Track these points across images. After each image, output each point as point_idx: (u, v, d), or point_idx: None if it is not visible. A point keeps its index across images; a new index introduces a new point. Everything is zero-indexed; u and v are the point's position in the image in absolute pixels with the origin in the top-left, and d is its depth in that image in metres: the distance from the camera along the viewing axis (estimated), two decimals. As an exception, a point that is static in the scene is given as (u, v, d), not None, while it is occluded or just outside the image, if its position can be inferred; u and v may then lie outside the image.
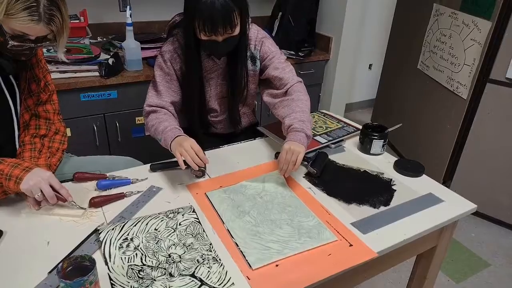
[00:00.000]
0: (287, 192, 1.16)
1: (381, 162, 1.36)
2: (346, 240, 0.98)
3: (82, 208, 1.04)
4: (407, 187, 1.22)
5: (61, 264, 0.78)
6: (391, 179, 1.25)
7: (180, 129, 1.18)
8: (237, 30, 1.20)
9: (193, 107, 1.37)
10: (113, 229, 0.95)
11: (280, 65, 1.32)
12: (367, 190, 1.20)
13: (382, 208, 1.12)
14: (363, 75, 3.87)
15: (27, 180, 0.97)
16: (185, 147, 1.08)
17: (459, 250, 2.14)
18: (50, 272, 0.85)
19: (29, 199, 1.01)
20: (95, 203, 1.06)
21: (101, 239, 0.92)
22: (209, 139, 1.47)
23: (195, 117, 1.38)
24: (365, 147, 1.41)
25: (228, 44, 1.22)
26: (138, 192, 1.13)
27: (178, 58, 1.30)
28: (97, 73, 1.95)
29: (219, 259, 0.91)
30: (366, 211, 1.11)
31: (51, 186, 0.99)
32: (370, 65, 3.89)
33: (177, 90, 1.33)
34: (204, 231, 0.99)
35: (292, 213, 1.07)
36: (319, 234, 0.99)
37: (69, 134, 1.99)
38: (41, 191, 0.97)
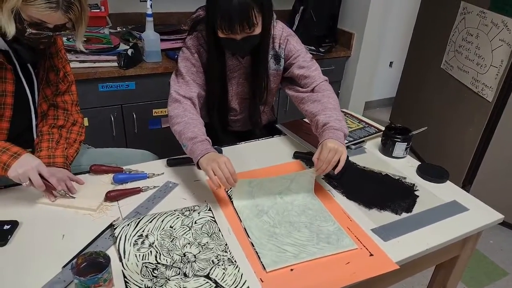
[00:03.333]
0: (309, 194, 1.12)
1: (404, 166, 1.31)
2: (367, 249, 0.94)
3: (72, 197, 1.03)
4: (431, 193, 1.18)
5: (75, 260, 0.77)
6: (413, 184, 1.21)
7: (209, 140, 1.09)
8: (257, 29, 1.15)
9: (213, 105, 1.33)
10: (128, 224, 0.94)
11: (305, 63, 1.28)
12: (388, 195, 1.16)
13: (404, 215, 1.08)
14: (383, 73, 3.78)
15: (15, 168, 0.95)
16: (220, 165, 0.98)
17: (477, 257, 2.07)
18: (64, 266, 0.84)
19: (44, 190, 1.00)
20: (111, 197, 1.04)
21: (116, 234, 0.91)
22: (226, 135, 1.44)
23: (214, 114, 1.34)
24: (387, 149, 1.36)
25: (248, 44, 1.17)
26: (154, 187, 1.11)
27: (204, 53, 1.26)
28: (116, 64, 1.94)
29: (235, 261, 0.88)
30: (387, 217, 1.07)
31: (40, 174, 0.97)
32: (391, 63, 3.81)
33: (202, 84, 1.28)
34: (220, 230, 0.97)
35: (312, 216, 1.04)
36: (339, 240, 0.96)
37: (86, 124, 2.00)
38: (30, 179, 0.96)
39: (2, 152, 0.97)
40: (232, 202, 1.07)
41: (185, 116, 1.14)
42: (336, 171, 1.07)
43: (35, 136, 1.18)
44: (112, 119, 2.03)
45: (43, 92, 1.16)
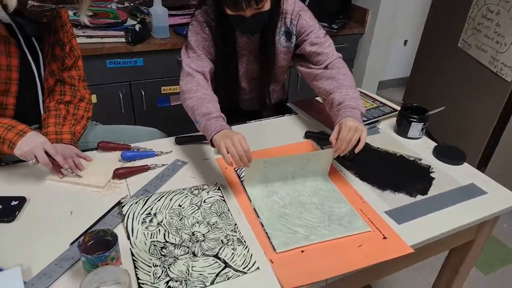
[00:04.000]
0: (323, 175, 1.08)
1: (419, 147, 1.27)
2: (380, 232, 0.92)
3: (78, 175, 1.01)
4: (447, 175, 1.14)
5: (82, 237, 0.75)
6: (429, 166, 1.17)
7: (224, 117, 1.03)
8: (266, 5, 1.09)
9: (222, 83, 1.29)
10: (136, 202, 0.92)
11: (318, 40, 1.22)
12: (403, 176, 1.12)
13: (419, 197, 1.04)
14: (397, 52, 3.67)
15: (20, 146, 0.94)
16: (234, 142, 0.92)
17: (490, 241, 2.04)
18: (72, 243, 0.83)
19: (52, 167, 0.99)
20: (119, 174, 1.03)
21: (124, 212, 0.90)
22: (234, 115, 1.39)
23: (222, 93, 1.28)
24: (402, 129, 1.31)
25: (257, 21, 1.11)
26: (163, 165, 1.09)
27: (214, 29, 1.21)
28: (123, 39, 1.90)
29: (244, 241, 0.87)
30: (401, 199, 1.03)
31: (46, 152, 0.95)
32: (406, 41, 3.68)
33: (213, 59, 1.23)
34: (229, 210, 0.95)
35: (323, 197, 1.01)
36: (351, 222, 0.93)
37: (94, 100, 1.98)
38: (35, 157, 0.95)
39: (8, 129, 0.95)
40: (242, 181, 1.05)
41: (198, 91, 1.08)
42: (357, 150, 1.01)
43: (42, 112, 1.16)
44: (121, 96, 2.01)
45: (49, 67, 1.13)
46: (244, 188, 1.03)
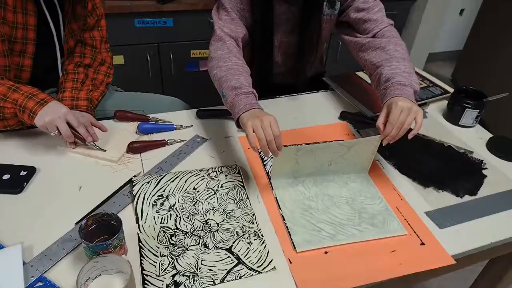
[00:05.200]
0: (363, 166, 0.94)
1: (471, 138, 1.10)
2: (418, 237, 0.80)
3: (102, 149, 0.94)
4: (502, 174, 0.98)
5: (85, 220, 0.69)
6: (481, 161, 1.01)
7: (255, 93, 0.89)
8: None
9: (254, 55, 1.15)
10: (148, 182, 0.85)
11: (365, 4, 1.05)
12: (450, 171, 0.98)
13: (467, 198, 0.91)
14: (451, 22, 3.32)
15: (41, 116, 0.87)
16: (264, 124, 0.78)
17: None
18: (77, 223, 0.77)
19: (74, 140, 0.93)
20: (134, 148, 0.95)
21: (134, 192, 0.83)
22: (264, 87, 1.27)
23: (254, 66, 1.14)
24: (454, 116, 1.15)
25: None
26: (181, 141, 1.01)
27: None
28: (153, -3, 1.79)
29: (261, 235, 0.78)
30: (446, 198, 0.90)
31: (68, 124, 0.89)
32: (462, 10, 3.32)
33: (248, 25, 1.08)
34: (248, 197, 0.86)
35: (355, 190, 0.90)
36: (385, 223, 0.82)
37: (121, 62, 1.91)
38: (58, 128, 0.88)
39: (28, 98, 0.89)
40: (265, 169, 0.95)
41: (229, 59, 0.94)
42: (411, 136, 0.85)
43: (60, 74, 1.09)
44: (149, 58, 1.93)
45: (69, 26, 1.05)
46: (267, 173, 0.93)
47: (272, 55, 1.18)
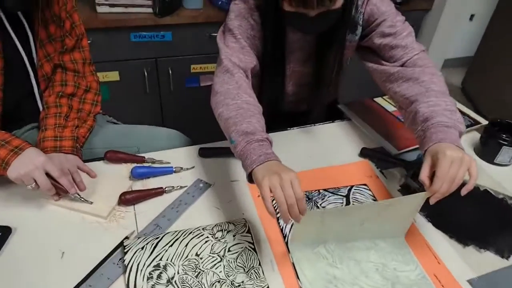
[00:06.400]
0: (403, 227, 0.79)
1: (508, 178, 0.98)
2: (466, 319, 0.67)
3: (88, 201, 0.81)
4: (550, 226, 0.86)
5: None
6: (524, 209, 0.89)
7: (271, 140, 0.75)
8: (338, 2, 0.81)
9: (262, 84, 1.02)
10: (142, 248, 0.72)
11: (392, 29, 0.91)
12: (490, 224, 0.85)
13: (514, 259, 0.78)
14: (461, 28, 3.19)
15: (16, 167, 0.74)
16: (284, 183, 0.64)
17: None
18: (56, 306, 0.65)
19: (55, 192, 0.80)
20: (126, 200, 0.82)
21: (126, 262, 0.70)
22: (273, 116, 1.12)
23: (262, 96, 0.99)
24: (488, 152, 1.02)
25: (324, 21, 0.83)
26: (181, 187, 0.88)
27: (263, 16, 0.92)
28: (150, 10, 1.65)
29: (278, 317, 0.65)
30: (490, 260, 0.78)
31: (47, 174, 0.76)
32: (472, 15, 3.19)
33: (259, 54, 0.95)
34: (260, 264, 0.73)
35: (385, 252, 0.77)
36: (424, 299, 0.69)
37: (117, 78, 1.78)
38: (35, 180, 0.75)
39: (0, 145, 0.76)
40: (278, 219, 0.82)
41: (238, 96, 0.80)
42: (464, 192, 0.71)
43: (40, 106, 0.96)
44: (146, 74, 1.79)
45: (43, 49, 0.92)
46: (283, 235, 0.80)
47: (284, 86, 1.05)
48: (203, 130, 1.48)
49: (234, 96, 0.81)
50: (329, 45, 0.94)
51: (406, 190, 0.92)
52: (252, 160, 0.70)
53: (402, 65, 0.89)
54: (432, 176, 0.72)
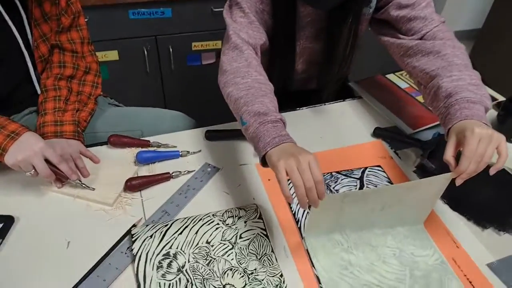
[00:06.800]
0: (425, 209, 0.75)
1: (528, 158, 0.94)
2: (487, 305, 0.65)
3: (90, 188, 0.78)
4: None
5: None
6: (544, 189, 0.86)
7: (285, 120, 0.71)
8: None
9: (271, 62, 0.97)
10: (151, 236, 0.70)
11: (408, 0, 0.85)
12: (508, 204, 0.82)
13: (535, 242, 0.75)
14: (468, 0, 3.08)
15: (13, 153, 0.71)
16: (302, 165, 0.60)
17: None
18: (65, 297, 0.62)
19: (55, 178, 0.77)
20: (132, 186, 0.79)
21: (134, 251, 0.68)
22: (282, 95, 1.07)
23: (271, 73, 0.95)
24: (505, 130, 0.96)
25: None
26: (188, 172, 0.84)
27: None
28: (148, -16, 1.58)
29: (294, 305, 0.63)
30: (509, 242, 0.75)
31: (46, 160, 0.73)
32: (481, -14, 3.07)
33: (269, 30, 0.89)
34: (272, 251, 0.70)
35: (401, 236, 0.74)
36: (442, 284, 0.67)
37: (116, 57, 1.72)
38: (34, 166, 0.72)
39: None
40: (290, 207, 0.79)
41: (248, 75, 0.75)
42: (494, 171, 0.67)
43: (37, 88, 0.92)
44: (146, 52, 1.73)
45: (39, 29, 0.87)
46: (294, 215, 0.77)
47: (293, 63, 1.00)
48: (207, 110, 1.44)
49: (244, 75, 0.76)
50: (343, 20, 0.88)
51: (422, 171, 0.89)
52: (265, 143, 0.65)
53: (421, 38, 0.84)
54: (456, 156, 0.68)
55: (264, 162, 0.67)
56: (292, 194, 0.62)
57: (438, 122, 0.99)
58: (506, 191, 0.86)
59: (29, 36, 0.86)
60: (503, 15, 2.53)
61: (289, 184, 0.61)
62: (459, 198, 0.83)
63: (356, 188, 0.83)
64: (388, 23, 0.90)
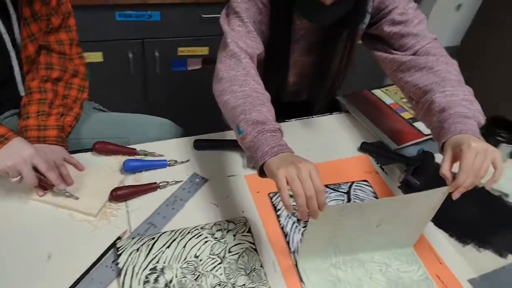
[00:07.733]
0: (416, 224, 0.75)
1: (505, 175, 0.97)
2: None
3: (74, 196, 0.76)
4: (546, 225, 0.86)
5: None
6: (520, 207, 0.89)
7: (282, 130, 0.71)
8: None
9: (267, 75, 0.96)
10: (137, 250, 0.68)
11: (402, 17, 0.86)
12: (488, 222, 0.85)
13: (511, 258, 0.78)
14: (447, 18, 3.19)
15: (2, 159, 0.69)
16: (302, 174, 0.59)
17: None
18: (45, 313, 0.60)
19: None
20: (118, 196, 0.77)
21: (120, 265, 0.66)
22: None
23: (266, 85, 0.95)
24: (485, 149, 1.01)
25: (339, 9, 0.79)
26: (176, 182, 0.83)
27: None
28: (136, -13, 1.55)
29: (282, 321, 0.63)
30: (489, 260, 0.77)
31: (34, 168, 0.71)
32: (459, 5, 3.19)
33: (266, 41, 0.89)
34: (262, 266, 0.70)
35: (389, 253, 0.75)
36: (429, 302, 0.68)
37: (100, 59, 1.69)
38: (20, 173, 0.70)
39: None
40: (278, 219, 0.79)
41: (246, 83, 0.75)
42: (489, 185, 0.69)
43: (20, 90, 0.89)
44: (130, 56, 1.70)
45: (27, 29, 0.84)
46: (282, 228, 0.77)
47: (286, 75, 1.00)
48: (192, 117, 1.42)
49: (242, 83, 0.75)
50: (338, 35, 0.90)
51: (406, 186, 0.91)
52: (264, 152, 0.65)
53: (414, 54, 0.86)
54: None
55: (261, 172, 0.66)
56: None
57: (422, 139, 1.02)
58: (485, 208, 0.89)
59: (17, 36, 0.83)
60: (481, 33, 2.63)
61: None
62: (442, 215, 0.85)
63: (343, 202, 0.84)
64: (381, 38, 0.92)
